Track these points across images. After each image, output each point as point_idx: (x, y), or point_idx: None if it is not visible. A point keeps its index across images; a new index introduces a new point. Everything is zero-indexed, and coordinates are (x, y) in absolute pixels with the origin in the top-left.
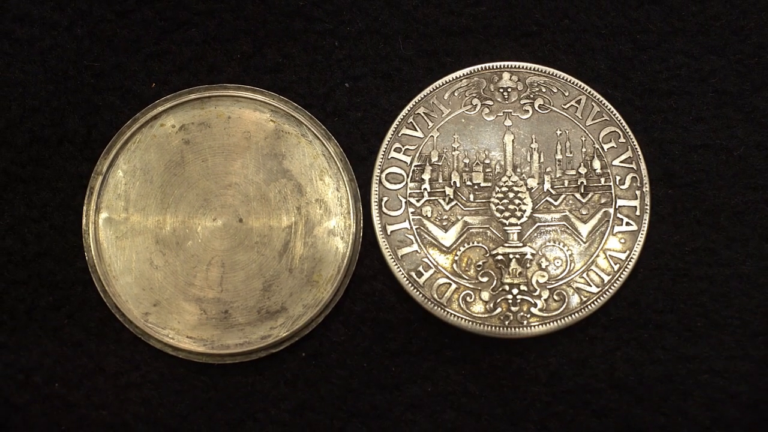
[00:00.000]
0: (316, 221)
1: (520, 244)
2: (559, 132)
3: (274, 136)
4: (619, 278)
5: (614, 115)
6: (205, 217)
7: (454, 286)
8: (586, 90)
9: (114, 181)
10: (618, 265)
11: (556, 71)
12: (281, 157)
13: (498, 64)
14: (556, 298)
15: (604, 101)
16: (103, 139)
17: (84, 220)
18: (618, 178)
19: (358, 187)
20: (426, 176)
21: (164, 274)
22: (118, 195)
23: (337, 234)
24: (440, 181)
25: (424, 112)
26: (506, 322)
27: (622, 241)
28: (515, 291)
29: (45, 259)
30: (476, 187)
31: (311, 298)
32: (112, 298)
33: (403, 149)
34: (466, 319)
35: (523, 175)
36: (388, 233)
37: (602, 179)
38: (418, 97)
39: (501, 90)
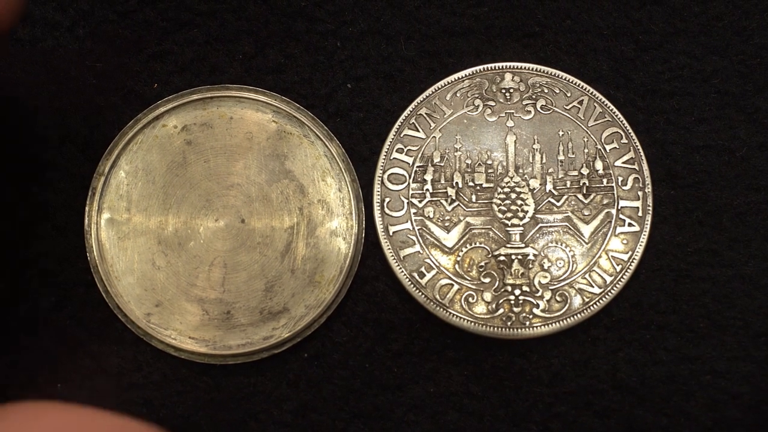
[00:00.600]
0: (318, 222)
1: (523, 245)
2: (561, 133)
3: (276, 136)
4: (622, 279)
5: (616, 115)
6: (207, 217)
7: (456, 286)
8: (588, 91)
9: (116, 181)
10: (620, 266)
11: (558, 72)
12: (283, 158)
13: (500, 64)
14: (558, 299)
15: (607, 102)
16: (105, 139)
17: (86, 221)
18: (620, 178)
19: (360, 188)
20: (428, 177)
21: (166, 274)
22: (120, 196)
23: (339, 235)
24: (442, 181)
25: (426, 113)
26: (508, 323)
27: (625, 242)
28: (517, 292)
29: (47, 260)
30: (478, 187)
31: (313, 299)
32: (114, 298)
33: (405, 150)
34: (468, 320)
35: (526, 176)
36: (390, 234)
37: (604, 180)
38: (420, 98)
39: (503, 91)
